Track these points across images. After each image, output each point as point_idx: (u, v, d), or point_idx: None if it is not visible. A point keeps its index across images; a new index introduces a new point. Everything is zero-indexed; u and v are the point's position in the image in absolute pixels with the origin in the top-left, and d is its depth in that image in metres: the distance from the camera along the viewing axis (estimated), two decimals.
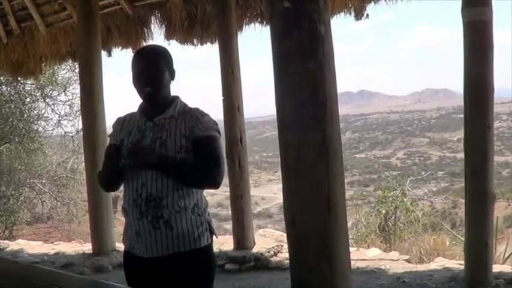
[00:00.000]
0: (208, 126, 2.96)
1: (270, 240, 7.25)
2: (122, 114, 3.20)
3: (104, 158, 3.10)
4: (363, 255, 6.80)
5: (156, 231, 2.87)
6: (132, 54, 3.14)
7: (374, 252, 7.04)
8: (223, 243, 7.20)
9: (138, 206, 2.89)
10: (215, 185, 2.96)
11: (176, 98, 3.07)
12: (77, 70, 10.74)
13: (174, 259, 2.89)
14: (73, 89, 14.51)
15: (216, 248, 6.88)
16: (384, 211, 11.60)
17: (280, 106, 3.04)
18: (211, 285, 3.07)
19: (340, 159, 3.06)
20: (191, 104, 3.10)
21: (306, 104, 2.93)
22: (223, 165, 2.99)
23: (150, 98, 2.98)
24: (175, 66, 3.07)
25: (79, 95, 8.16)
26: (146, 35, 8.20)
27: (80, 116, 9.37)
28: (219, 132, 3.04)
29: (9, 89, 14.24)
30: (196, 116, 2.98)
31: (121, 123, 3.15)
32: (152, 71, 2.95)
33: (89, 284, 3.32)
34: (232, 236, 7.13)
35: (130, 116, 3.14)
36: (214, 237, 3.10)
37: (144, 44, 8.08)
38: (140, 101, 3.07)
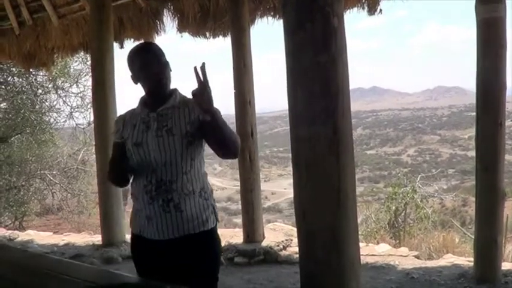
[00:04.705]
0: None
1: (280, 234, 7.26)
2: (130, 107, 3.23)
3: (111, 156, 3.20)
4: (373, 251, 6.80)
5: (166, 215, 2.97)
6: (129, 52, 3.16)
7: (383, 247, 7.03)
8: (232, 236, 7.22)
9: (149, 192, 2.99)
10: (236, 151, 2.99)
11: (175, 89, 3.13)
12: (89, 62, 10.71)
13: (184, 241, 2.98)
14: (85, 81, 14.56)
15: (225, 241, 6.92)
16: (393, 207, 11.60)
17: (291, 98, 3.04)
18: (218, 268, 3.14)
19: (351, 152, 3.05)
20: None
21: (317, 96, 2.92)
22: None
23: (158, 91, 3.04)
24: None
25: (91, 87, 8.14)
26: (159, 27, 8.19)
27: (92, 108, 9.39)
28: None
29: (21, 80, 14.26)
30: None
31: (122, 120, 3.20)
32: (160, 65, 3.03)
33: (98, 273, 3.34)
34: (241, 230, 7.13)
35: (130, 112, 3.19)
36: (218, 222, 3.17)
37: (157, 36, 8.11)
38: (140, 95, 3.14)
